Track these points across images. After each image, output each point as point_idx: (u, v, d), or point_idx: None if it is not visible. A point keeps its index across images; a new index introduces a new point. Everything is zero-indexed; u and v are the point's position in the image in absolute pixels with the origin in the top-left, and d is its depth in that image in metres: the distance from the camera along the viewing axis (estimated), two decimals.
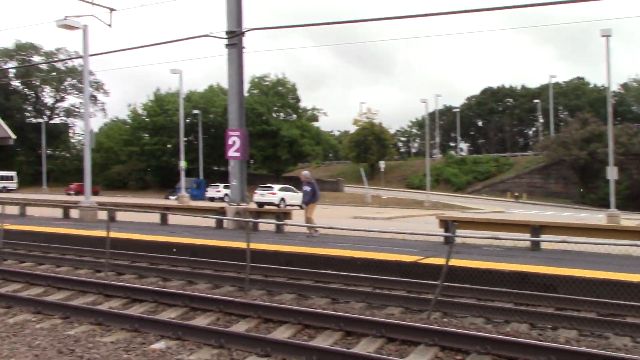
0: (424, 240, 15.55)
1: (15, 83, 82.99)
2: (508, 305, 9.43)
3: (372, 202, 52.82)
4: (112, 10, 20.70)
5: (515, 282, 10.35)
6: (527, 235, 14.60)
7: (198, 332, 7.57)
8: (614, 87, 79.96)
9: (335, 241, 15.11)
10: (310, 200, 17.45)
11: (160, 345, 7.36)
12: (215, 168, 67.69)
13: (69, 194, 56.88)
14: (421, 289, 10.40)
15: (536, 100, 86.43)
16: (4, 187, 65.07)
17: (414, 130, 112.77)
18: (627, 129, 60.35)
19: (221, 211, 19.65)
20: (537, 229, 14.67)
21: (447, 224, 15.08)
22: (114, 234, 13.42)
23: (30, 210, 23.31)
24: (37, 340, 7.68)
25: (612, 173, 30.76)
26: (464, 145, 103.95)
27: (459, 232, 11.96)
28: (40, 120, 74.67)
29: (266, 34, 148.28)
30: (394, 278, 11.10)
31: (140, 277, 12.17)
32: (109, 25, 20.77)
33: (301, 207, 22.29)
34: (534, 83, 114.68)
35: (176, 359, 6.88)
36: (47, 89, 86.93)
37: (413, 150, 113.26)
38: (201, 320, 8.56)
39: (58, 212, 22.87)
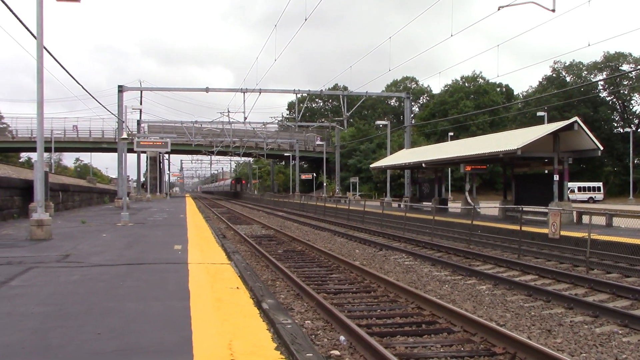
0: None
1: (604, 94, 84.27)
2: None
3: None
4: None
5: None
6: None
7: None
8: None
9: None
10: None
11: None
12: None
13: None
14: None
15: None
16: (590, 198, 66.68)
17: None
18: None
19: None
20: None
21: None
22: None
23: (617, 221, 23.12)
24: (623, 354, 7.59)
25: None
26: None
27: None
28: (627, 129, 73.52)
29: None
30: None
31: None
32: None
33: None
34: None
35: None
36: (636, 96, 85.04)
37: None
38: None
39: None
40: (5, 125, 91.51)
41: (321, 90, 51.82)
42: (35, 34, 16.01)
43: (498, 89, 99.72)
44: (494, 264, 15.99)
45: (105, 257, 12.15)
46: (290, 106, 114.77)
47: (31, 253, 12.76)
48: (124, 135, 30.04)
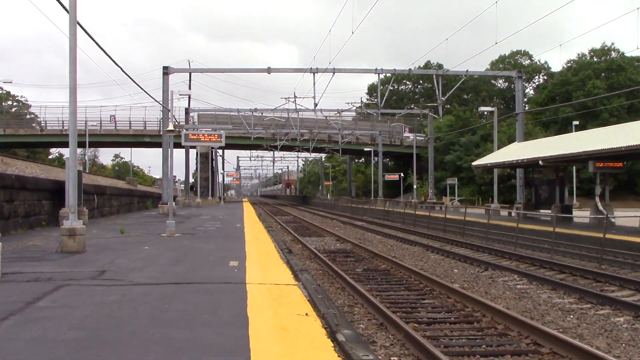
0: None
1: None
2: None
3: None
4: None
5: None
6: None
7: None
8: None
9: None
10: None
11: None
12: None
13: None
14: None
15: None
16: None
17: None
18: None
19: None
20: None
21: None
22: None
23: None
24: None
25: None
26: None
27: None
28: None
29: None
30: None
31: None
32: None
33: None
34: None
35: None
36: None
37: None
38: None
39: None
40: (32, 116, 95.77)
41: (409, 69, 51.48)
42: (68, 8, 16.66)
43: (638, 64, 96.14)
44: (635, 290, 15.46)
45: (148, 274, 12.48)
46: (372, 89, 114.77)
47: (62, 268, 13.24)
48: (170, 127, 30.76)
